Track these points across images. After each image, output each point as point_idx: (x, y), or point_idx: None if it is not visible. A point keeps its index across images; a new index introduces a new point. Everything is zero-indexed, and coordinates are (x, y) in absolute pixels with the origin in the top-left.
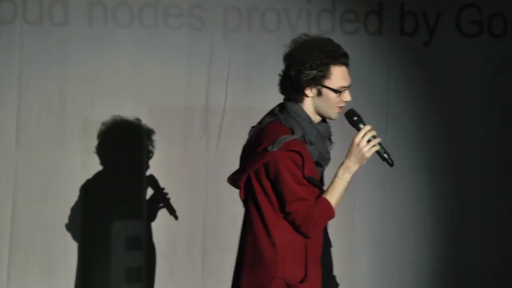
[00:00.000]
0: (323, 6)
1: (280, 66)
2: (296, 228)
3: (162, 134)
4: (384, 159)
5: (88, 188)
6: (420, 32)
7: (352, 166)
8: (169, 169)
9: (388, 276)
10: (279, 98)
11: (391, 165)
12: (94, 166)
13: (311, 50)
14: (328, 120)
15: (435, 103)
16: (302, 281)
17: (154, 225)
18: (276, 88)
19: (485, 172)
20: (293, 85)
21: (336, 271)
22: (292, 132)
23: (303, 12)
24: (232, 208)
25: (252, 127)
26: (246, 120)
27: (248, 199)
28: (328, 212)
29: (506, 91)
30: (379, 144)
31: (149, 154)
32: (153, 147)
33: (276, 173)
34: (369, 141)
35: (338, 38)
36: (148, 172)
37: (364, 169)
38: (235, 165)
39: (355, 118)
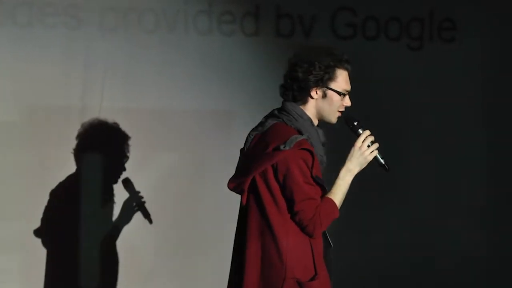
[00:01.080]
0: (200, 7)
1: (157, 66)
2: (303, 228)
3: (38, 134)
4: (381, 164)
5: None
6: (296, 34)
7: (353, 168)
8: (45, 168)
9: None
10: (158, 98)
11: (387, 170)
12: None
13: (319, 53)
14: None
15: None
16: (313, 279)
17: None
18: (154, 88)
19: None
20: (300, 86)
21: None
22: (300, 132)
23: (180, 13)
24: (111, 207)
25: (252, 130)
26: (123, 121)
27: (250, 202)
28: (333, 211)
29: (377, 93)
30: (377, 149)
31: (124, 159)
32: (128, 151)
33: (286, 172)
34: (368, 146)
35: (215, 39)
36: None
37: None
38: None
39: (356, 123)
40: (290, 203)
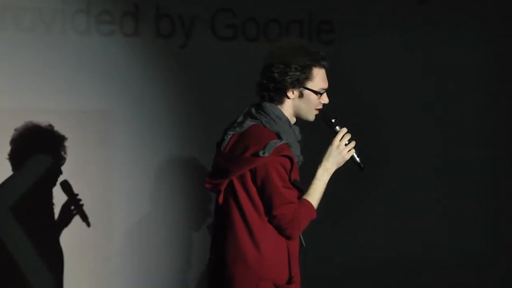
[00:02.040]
0: (78, 6)
1: (34, 66)
2: (282, 230)
3: None
4: (356, 163)
5: None
6: (176, 35)
7: (330, 167)
8: None
9: None
10: (35, 99)
11: (363, 169)
12: None
13: (295, 53)
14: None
15: (193, 105)
16: (289, 282)
17: None
18: (31, 88)
19: None
20: (276, 86)
21: None
22: (279, 137)
23: (57, 12)
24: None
25: (228, 130)
26: (9, 123)
27: (228, 202)
28: (311, 213)
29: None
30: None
31: (61, 161)
32: (65, 153)
33: (264, 177)
34: (346, 144)
35: (94, 39)
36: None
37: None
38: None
39: (333, 120)
40: (269, 206)
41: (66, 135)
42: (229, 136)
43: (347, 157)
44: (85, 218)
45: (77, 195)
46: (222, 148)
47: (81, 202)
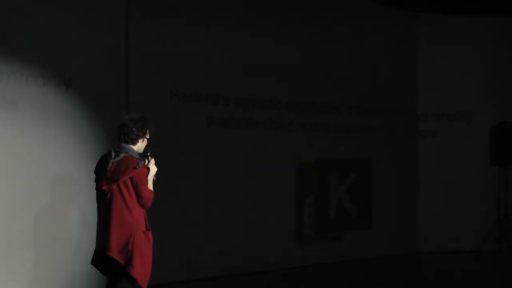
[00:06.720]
0: None
1: None
2: (143, 205)
3: None
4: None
5: None
6: None
7: (152, 175)
8: None
9: None
10: None
11: (155, 180)
12: None
13: (142, 122)
14: None
15: None
16: (147, 229)
17: None
18: None
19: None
20: (135, 138)
21: None
22: (140, 160)
23: None
24: None
25: (110, 160)
26: None
27: (113, 195)
28: (152, 196)
29: None
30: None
31: None
32: None
33: (138, 179)
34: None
35: None
36: None
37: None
38: None
39: (149, 154)
40: (139, 194)
41: None
42: (111, 163)
43: (155, 170)
44: None
45: None
46: (108, 168)
47: None
